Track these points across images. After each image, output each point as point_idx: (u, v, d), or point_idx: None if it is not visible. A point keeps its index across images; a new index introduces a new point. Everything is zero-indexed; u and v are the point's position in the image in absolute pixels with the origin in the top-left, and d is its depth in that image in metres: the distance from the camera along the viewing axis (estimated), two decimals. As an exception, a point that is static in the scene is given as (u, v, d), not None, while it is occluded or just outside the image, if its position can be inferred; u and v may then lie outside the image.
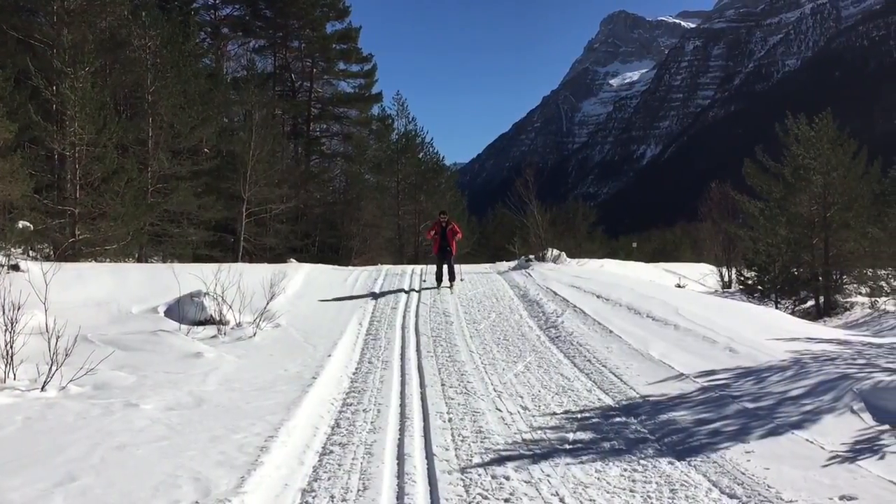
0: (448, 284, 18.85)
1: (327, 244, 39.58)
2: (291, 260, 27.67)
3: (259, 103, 33.35)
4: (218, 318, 13.14)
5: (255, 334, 12.45)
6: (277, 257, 30.60)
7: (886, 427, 7.23)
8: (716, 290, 43.01)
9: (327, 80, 44.68)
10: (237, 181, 30.23)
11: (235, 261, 24.38)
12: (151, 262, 23.96)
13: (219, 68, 37.84)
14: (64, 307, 11.27)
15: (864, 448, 6.72)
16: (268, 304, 13.63)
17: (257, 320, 13.02)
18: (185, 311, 13.17)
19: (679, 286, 35.52)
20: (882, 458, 6.42)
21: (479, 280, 21.69)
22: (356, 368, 10.77)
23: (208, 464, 6.03)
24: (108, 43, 26.33)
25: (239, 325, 13.11)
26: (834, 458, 6.52)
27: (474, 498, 5.61)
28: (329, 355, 11.08)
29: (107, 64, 26.42)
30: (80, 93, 20.55)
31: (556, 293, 17.58)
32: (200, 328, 12.65)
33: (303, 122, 44.12)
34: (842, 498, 5.56)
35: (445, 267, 19.15)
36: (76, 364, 8.71)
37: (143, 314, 13.33)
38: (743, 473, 6.19)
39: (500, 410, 8.38)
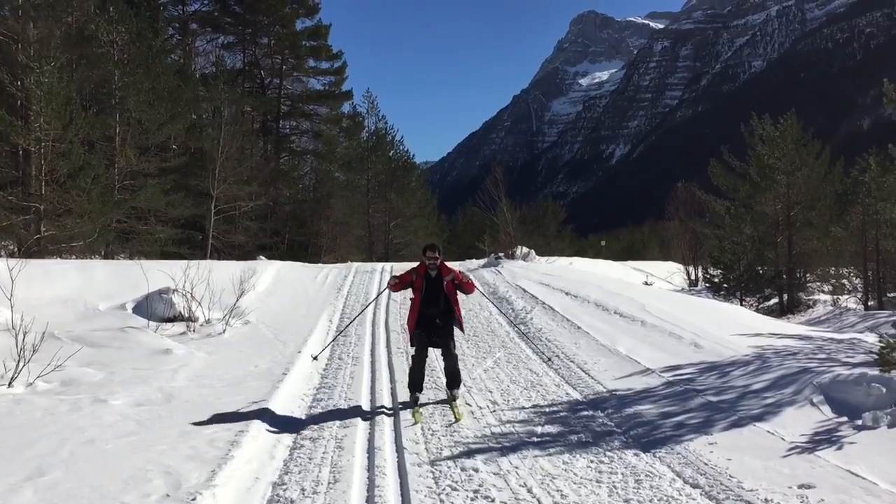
0: (449, 398, 8.58)
1: (297, 242, 39.41)
2: (261, 257, 27.57)
3: (228, 100, 33.13)
4: (187, 315, 13.09)
5: (224, 331, 12.42)
6: (246, 255, 30.44)
7: (845, 419, 7.43)
8: (682, 288, 43.55)
9: (297, 77, 44.48)
10: (206, 178, 30.01)
11: (204, 258, 24.19)
12: (118, 260, 23.71)
13: (187, 65, 37.48)
14: (30, 304, 11.16)
15: (822, 439, 6.91)
16: (237, 300, 13.60)
17: (227, 317, 12.99)
18: (154, 308, 13.09)
19: (646, 284, 35.92)
20: (840, 448, 6.61)
21: (448, 277, 21.80)
22: (326, 365, 10.80)
23: (179, 458, 6.05)
24: (75, 38, 25.99)
25: (208, 321, 13.07)
26: (794, 448, 6.70)
27: (444, 489, 5.69)
28: (299, 352, 11.11)
29: (73, 59, 26.07)
30: (45, 88, 20.29)
31: (525, 290, 17.73)
32: (169, 325, 12.60)
33: (272, 120, 43.88)
34: (801, 486, 5.72)
35: (437, 359, 9.60)
36: (43, 361, 8.65)
37: (110, 311, 13.23)
38: (706, 464, 6.34)
39: (469, 405, 8.48)
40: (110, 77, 25.89)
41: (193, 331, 12.38)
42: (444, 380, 9.01)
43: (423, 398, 8.66)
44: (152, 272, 14.13)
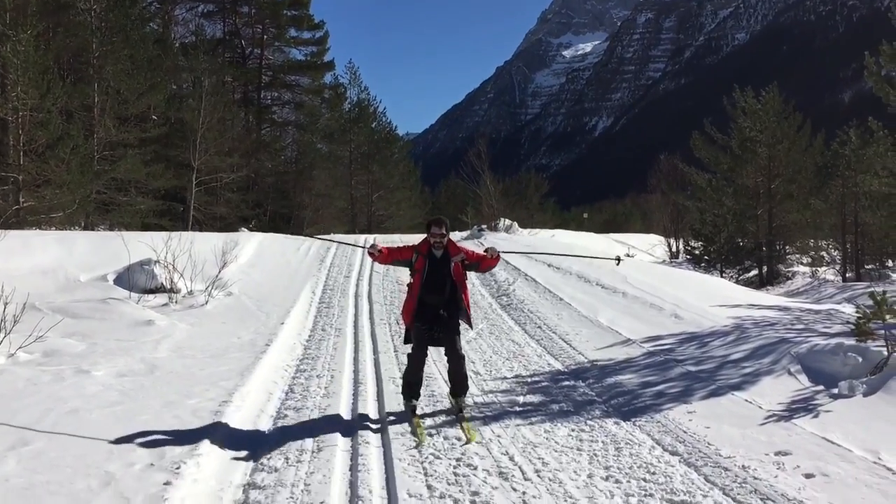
0: (454, 409, 7.13)
1: (279, 214, 39.26)
2: (243, 229, 27.43)
3: (208, 70, 32.80)
4: (169, 287, 13.04)
5: (207, 302, 12.39)
6: (228, 227, 30.30)
7: (821, 388, 7.56)
8: (664, 260, 43.82)
9: (278, 48, 44.05)
10: (186, 149, 29.76)
11: (185, 230, 24.07)
12: (99, 231, 23.53)
13: (166, 33, 37.01)
14: (10, 275, 11.08)
15: (799, 407, 7.03)
16: (220, 272, 13.57)
17: (209, 288, 12.96)
18: (136, 280, 13.03)
19: (628, 255, 36.11)
20: (816, 416, 6.73)
21: (431, 249, 21.82)
22: (309, 336, 10.83)
23: (163, 428, 6.06)
24: (52, 5, 25.59)
25: (190, 293, 13.03)
26: (771, 417, 6.81)
27: (427, 458, 5.75)
28: (282, 323, 11.11)
29: (50, 27, 25.67)
30: (22, 56, 19.97)
31: (507, 262, 17.79)
32: (151, 296, 12.55)
33: (253, 90, 43.48)
34: (777, 453, 5.82)
35: (437, 361, 8.64)
36: (24, 332, 8.61)
37: (91, 282, 13.16)
38: (685, 432, 6.44)
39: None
40: (88, 45, 25.53)
41: (176, 302, 12.34)
42: (443, 387, 7.78)
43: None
44: (133, 243, 14.05)
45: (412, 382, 7.09)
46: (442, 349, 7.14)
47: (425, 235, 7.15)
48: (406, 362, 7.18)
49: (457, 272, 7.04)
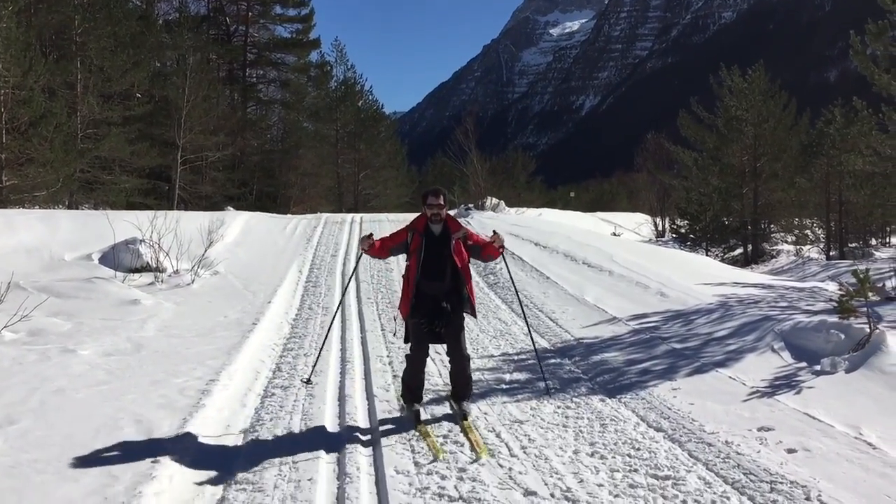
0: (457, 415, 6.18)
1: (265, 193, 39.10)
2: (229, 208, 27.36)
3: (193, 47, 32.47)
4: (154, 266, 12.99)
5: (193, 281, 12.36)
6: (214, 206, 30.18)
7: (804, 364, 7.64)
8: (650, 239, 43.97)
9: (263, 25, 43.61)
10: (171, 127, 29.53)
11: (171, 209, 23.93)
12: (83, 210, 23.37)
13: (150, 10, 36.53)
14: (-6, 254, 11.02)
15: (782, 384, 7.11)
16: (206, 251, 13.52)
17: (195, 267, 12.92)
18: (121, 259, 12.97)
19: (615, 235, 36.23)
20: (798, 392, 6.80)
21: (418, 228, 21.83)
22: (296, 315, 10.84)
23: (150, 406, 6.07)
24: (33, -19, 25.20)
25: (176, 272, 12.98)
26: (754, 393, 6.89)
27: (413, 435, 5.79)
28: (269, 302, 11.11)
29: (32, 3, 25.30)
30: (3, 33, 19.69)
31: (494, 241, 17.79)
32: (137, 275, 12.50)
33: (238, 68, 43.12)
34: (760, 429, 5.90)
35: (440, 362, 7.87)
36: (9, 311, 8.57)
37: (76, 261, 13.08)
38: (669, 409, 6.50)
39: (438, 353, 8.54)
40: (70, 22, 25.20)
41: (161, 281, 12.30)
42: (442, 389, 6.98)
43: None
44: (118, 222, 13.97)
45: (413, 386, 6.22)
46: (436, 346, 6.51)
47: (419, 214, 6.29)
48: (405, 362, 6.33)
49: (458, 252, 6.08)
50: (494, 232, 6.31)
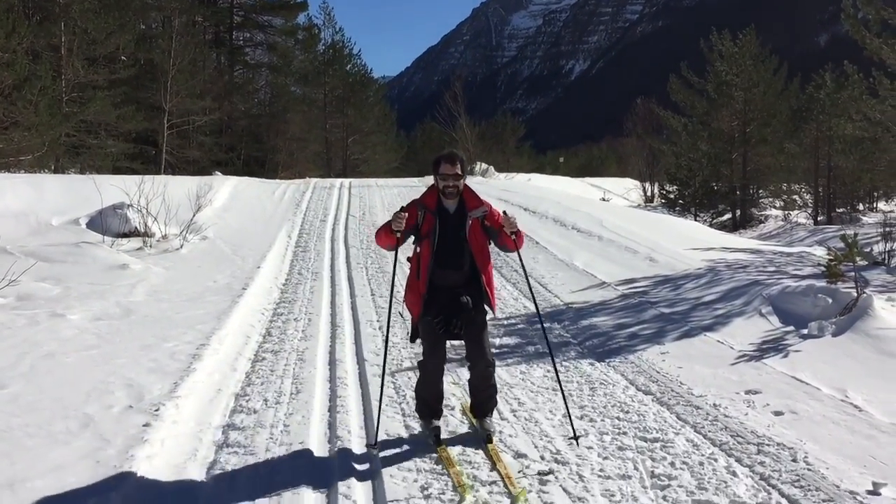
0: (480, 433, 5.03)
1: (253, 157, 38.79)
2: (216, 173, 27.17)
3: (178, 9, 31.91)
4: (143, 231, 12.93)
5: (182, 246, 12.31)
6: (202, 170, 29.94)
7: (791, 328, 7.70)
8: (639, 204, 44.03)
9: (250, -15, 42.89)
10: (157, 91, 29.16)
11: (158, 173, 23.72)
12: (70, 174, 23.15)
13: (134, -29, 35.89)
14: (-20, 219, 10.93)
15: (769, 348, 7.17)
16: (194, 216, 13.45)
17: (184, 232, 12.86)
18: (109, 223, 12.88)
19: (604, 200, 36.25)
20: (786, 356, 6.87)
21: (408, 194, 21.78)
22: (286, 279, 10.84)
23: (140, 371, 6.07)
24: (13, -60, 24.64)
25: (165, 237, 12.93)
26: (742, 357, 6.95)
27: (404, 398, 5.82)
28: (258, 267, 11.09)
29: (13, -37, 24.78)
30: (-16, -6, 19.33)
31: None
32: (125, 240, 12.44)
33: (225, 31, 42.47)
34: (748, 392, 5.96)
35: (457, 368, 6.49)
36: (-3, 276, 8.53)
37: (63, 226, 12.99)
38: (658, 372, 6.56)
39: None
40: (53, -17, 24.72)
41: (150, 246, 12.26)
42: (457, 399, 5.80)
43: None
44: (105, 187, 13.85)
45: (430, 399, 5.08)
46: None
47: (430, 186, 5.10)
48: (418, 370, 5.22)
49: (475, 234, 4.93)
50: (504, 214, 4.97)
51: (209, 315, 8.04)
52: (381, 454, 4.71)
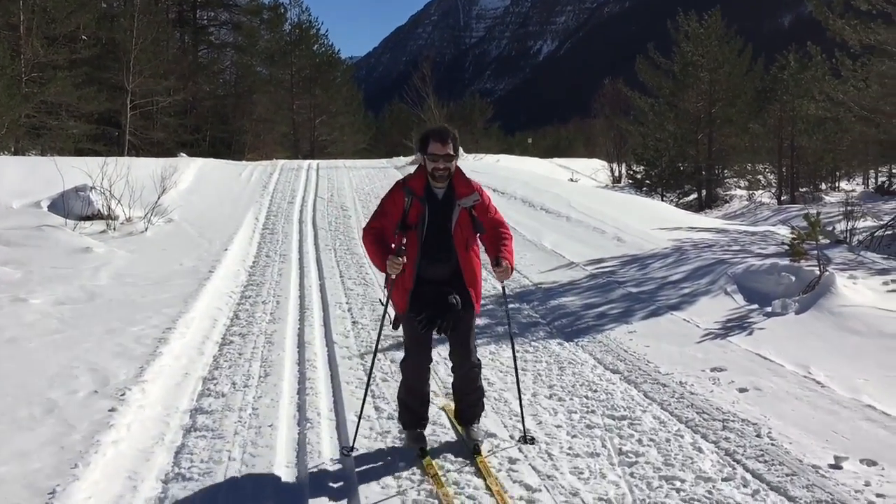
0: (467, 442, 4.61)
1: (219, 139, 38.31)
2: (182, 154, 26.81)
3: (140, -13, 31.35)
4: (106, 213, 12.73)
5: (146, 229, 12.15)
6: (166, 152, 29.49)
7: (755, 306, 7.81)
8: (606, 185, 44.26)
9: (213, -37, 42.18)
10: (119, 71, 28.68)
11: (121, 155, 23.35)
12: (30, 156, 22.71)
13: (93, -52, 35.11)
14: (-63, 202, 10.68)
15: (734, 325, 7.27)
16: (159, 198, 13.26)
17: (149, 215, 12.69)
18: (71, 206, 12.66)
19: (572, 180, 36.40)
20: (750, 333, 6.97)
21: (376, 175, 21.70)
22: (254, 262, 10.75)
23: (105, 355, 6.00)
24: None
25: (129, 220, 12.74)
26: (708, 335, 7.04)
27: (373, 379, 5.81)
28: (225, 249, 10.98)
29: (-32, -60, 24.12)
30: (-62, -29, 18.79)
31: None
32: (88, 223, 12.24)
33: (188, 10, 41.77)
34: (713, 370, 6.04)
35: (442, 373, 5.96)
36: (-44, 260, 8.36)
37: (24, 209, 12.74)
38: (625, 351, 6.62)
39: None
40: (10, -40, 24.10)
41: (114, 229, 12.08)
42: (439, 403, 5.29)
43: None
44: (67, 169, 13.60)
45: (415, 405, 4.61)
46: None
47: (416, 167, 4.58)
48: (401, 372, 4.67)
49: (462, 226, 4.44)
50: (497, 262, 4.46)
51: (175, 298, 7.95)
52: (357, 469, 4.29)
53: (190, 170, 18.80)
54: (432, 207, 4.38)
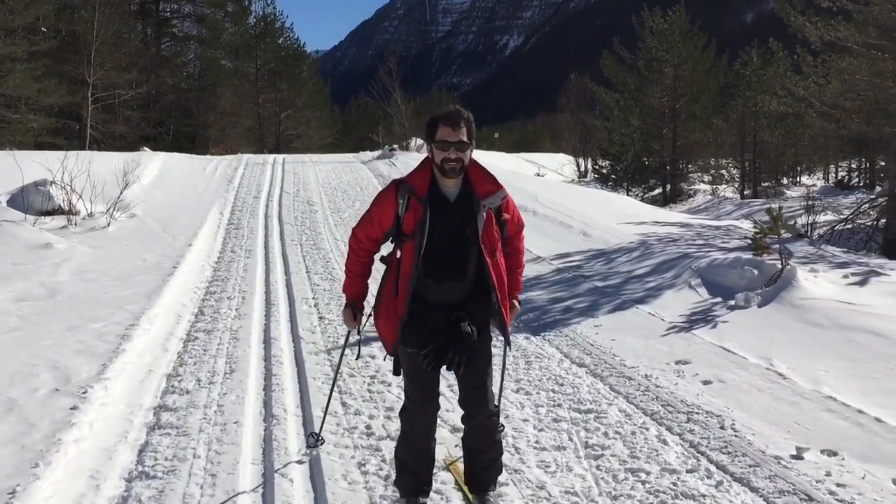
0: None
1: (183, 133, 37.90)
2: (145, 149, 26.45)
3: (100, -22, 30.83)
4: (67, 208, 12.50)
5: (109, 224, 11.98)
6: (129, 146, 29.11)
7: (719, 300, 7.91)
8: (573, 179, 44.47)
9: (175, -46, 41.62)
10: (80, 64, 28.22)
11: (83, 149, 22.98)
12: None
13: (53, -63, 34.43)
14: None
15: (698, 319, 7.36)
16: (122, 192, 13.06)
17: (111, 210, 12.49)
18: (31, 201, 12.42)
19: (538, 175, 36.53)
20: (714, 327, 7.06)
21: (342, 169, 21.59)
22: (219, 257, 10.64)
23: (67, 353, 5.90)
24: None
25: (91, 215, 12.54)
26: (672, 328, 7.11)
27: (340, 375, 5.78)
28: (190, 245, 10.86)
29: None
30: None
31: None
32: (48, 218, 12.02)
33: (151, 2, 41.18)
34: (678, 363, 6.10)
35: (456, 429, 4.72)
36: (-89, 257, 8.16)
37: (-18, 205, 12.48)
38: (592, 345, 6.66)
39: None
40: (-35, -50, 23.58)
41: (75, 224, 11.89)
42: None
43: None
44: (27, 163, 13.35)
45: (417, 466, 3.69)
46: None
47: (422, 160, 3.68)
48: (400, 424, 3.76)
49: (489, 233, 3.51)
50: (513, 304, 3.81)
51: (138, 294, 7.84)
52: (324, 464, 4.20)
53: (153, 164, 18.56)
54: (437, 211, 3.45)
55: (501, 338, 3.79)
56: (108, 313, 7.07)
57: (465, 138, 3.43)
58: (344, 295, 3.79)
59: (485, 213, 3.48)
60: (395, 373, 3.70)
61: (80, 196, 12.69)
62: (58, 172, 12.61)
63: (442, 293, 3.51)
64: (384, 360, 3.95)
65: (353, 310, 3.71)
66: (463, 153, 3.43)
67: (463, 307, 3.51)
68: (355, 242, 3.71)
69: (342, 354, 4.99)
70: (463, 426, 3.74)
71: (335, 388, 5.18)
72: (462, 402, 3.68)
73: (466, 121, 3.48)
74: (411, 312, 3.47)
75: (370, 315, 3.74)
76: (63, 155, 13.42)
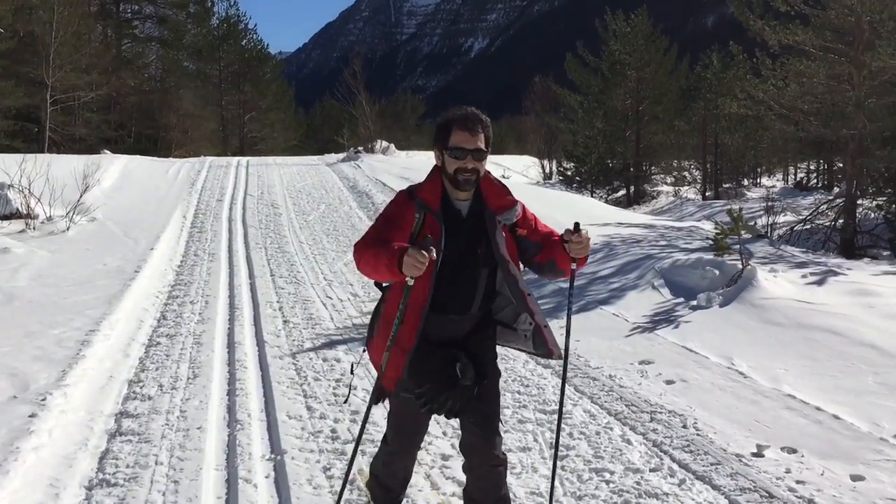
0: None
1: (145, 135, 37.38)
2: (105, 152, 26.03)
3: (60, -22, 30.33)
4: (25, 212, 12.31)
5: (68, 228, 11.80)
6: (89, 149, 28.62)
7: (681, 300, 8.00)
8: (538, 182, 44.66)
9: (136, -45, 41.08)
10: (39, 65, 27.70)
11: (41, 152, 22.58)
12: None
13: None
14: None
15: (661, 319, 7.44)
16: (81, 196, 12.88)
17: (70, 214, 12.30)
18: (-13, 205, 12.22)
19: (503, 177, 36.64)
20: (676, 327, 7.14)
21: (307, 172, 21.49)
22: (181, 261, 10.53)
23: (25, 359, 5.80)
24: None
25: (50, 219, 12.34)
26: (636, 329, 7.18)
27: (305, 379, 5.75)
28: (152, 248, 10.73)
29: None
30: None
31: (385, 184, 17.71)
32: (6, 222, 11.85)
33: (111, 2, 40.59)
34: (641, 363, 6.17)
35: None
36: None
37: (-63, 209, 12.24)
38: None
39: (330, 298, 8.52)
40: (-82, -52, 23.07)
41: (33, 228, 11.70)
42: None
43: None
44: (-17, 167, 13.10)
45: (392, 486, 3.45)
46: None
47: (431, 169, 3.24)
48: (381, 447, 3.51)
49: (511, 250, 3.15)
50: (577, 228, 3.13)
51: (99, 300, 7.73)
52: (289, 469, 4.28)
53: (114, 167, 18.31)
54: (450, 228, 3.00)
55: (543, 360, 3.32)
56: (68, 319, 6.97)
57: (482, 146, 3.02)
58: (389, 260, 2.77)
59: (500, 229, 3.07)
60: (375, 401, 3.18)
61: (39, 200, 12.49)
62: (15, 176, 12.40)
63: (443, 327, 3.05)
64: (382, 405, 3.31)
65: (414, 248, 2.72)
66: (480, 163, 3.02)
67: (470, 340, 3.12)
68: (364, 246, 3.00)
69: (369, 408, 3.29)
70: (466, 474, 3.32)
71: (300, 393, 5.14)
72: (465, 448, 3.22)
73: (484, 125, 3.05)
74: (417, 351, 2.97)
75: (364, 350, 3.30)
76: (21, 158, 13.20)
